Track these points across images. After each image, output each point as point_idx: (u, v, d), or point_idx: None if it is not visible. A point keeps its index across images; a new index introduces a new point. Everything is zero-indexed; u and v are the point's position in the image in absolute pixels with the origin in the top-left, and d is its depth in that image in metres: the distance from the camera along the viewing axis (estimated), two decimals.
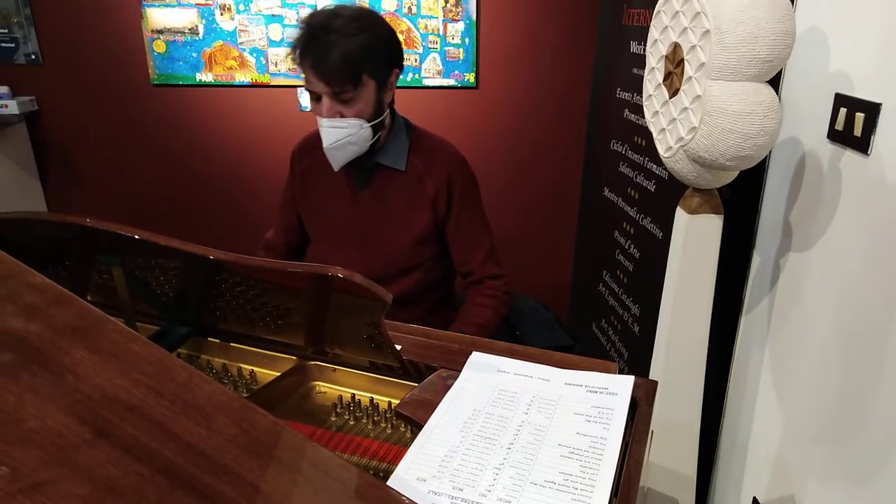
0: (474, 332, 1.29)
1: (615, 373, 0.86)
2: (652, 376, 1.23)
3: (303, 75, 1.32)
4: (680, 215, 1.14)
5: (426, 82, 2.43)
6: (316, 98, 1.31)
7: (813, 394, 1.12)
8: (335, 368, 0.98)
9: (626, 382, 0.82)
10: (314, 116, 1.33)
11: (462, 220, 1.43)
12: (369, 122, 1.32)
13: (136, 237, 0.88)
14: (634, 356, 1.77)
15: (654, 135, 1.16)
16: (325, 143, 1.31)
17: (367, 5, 2.35)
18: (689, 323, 1.17)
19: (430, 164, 1.42)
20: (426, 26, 2.37)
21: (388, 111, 1.40)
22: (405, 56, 1.42)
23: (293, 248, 1.61)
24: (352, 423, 0.90)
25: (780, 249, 1.23)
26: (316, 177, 1.48)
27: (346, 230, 1.47)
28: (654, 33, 1.13)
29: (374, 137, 1.36)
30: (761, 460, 1.31)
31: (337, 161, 1.35)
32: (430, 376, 0.88)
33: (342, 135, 1.30)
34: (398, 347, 0.91)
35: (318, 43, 1.26)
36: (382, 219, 1.44)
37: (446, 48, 2.39)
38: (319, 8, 1.34)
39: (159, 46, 2.49)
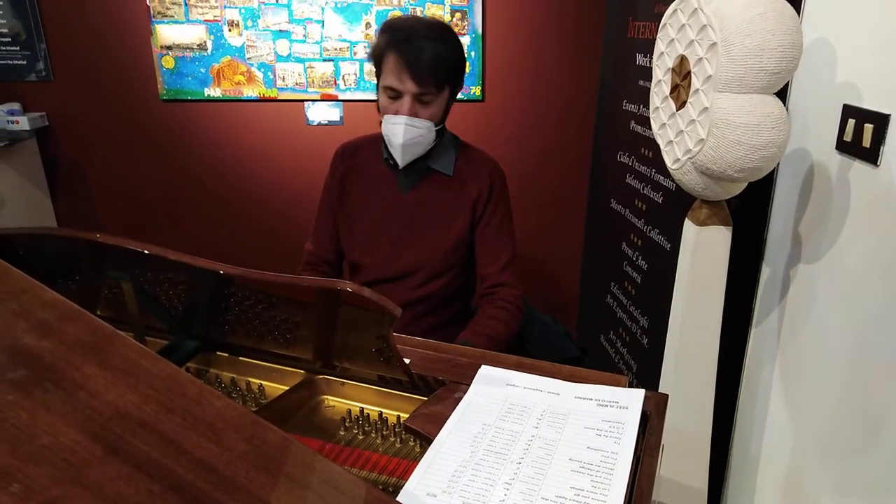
0: (483, 343, 1.30)
1: (624, 386, 0.85)
2: (661, 389, 1.23)
3: (373, 78, 1.37)
4: (688, 227, 1.14)
5: None
6: (393, 95, 1.37)
7: (825, 406, 1.10)
8: (343, 382, 0.98)
9: (636, 396, 0.81)
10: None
11: (494, 221, 1.49)
12: (436, 126, 1.40)
13: (146, 252, 0.89)
14: (643, 368, 1.75)
15: (662, 147, 1.16)
16: (402, 139, 1.37)
17: (374, 18, 2.37)
18: (698, 335, 1.16)
19: (475, 170, 1.49)
20: None
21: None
22: None
23: (341, 257, 1.62)
24: (361, 437, 0.90)
25: (789, 260, 1.22)
26: (356, 179, 1.53)
27: (383, 231, 1.51)
28: (660, 46, 1.14)
29: (433, 143, 1.43)
30: (774, 474, 1.29)
31: (405, 159, 1.41)
32: (438, 390, 0.87)
33: (416, 133, 1.37)
34: (407, 361, 0.90)
35: (413, 43, 1.32)
36: (423, 221, 1.49)
37: None
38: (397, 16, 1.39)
39: (168, 62, 2.51)
